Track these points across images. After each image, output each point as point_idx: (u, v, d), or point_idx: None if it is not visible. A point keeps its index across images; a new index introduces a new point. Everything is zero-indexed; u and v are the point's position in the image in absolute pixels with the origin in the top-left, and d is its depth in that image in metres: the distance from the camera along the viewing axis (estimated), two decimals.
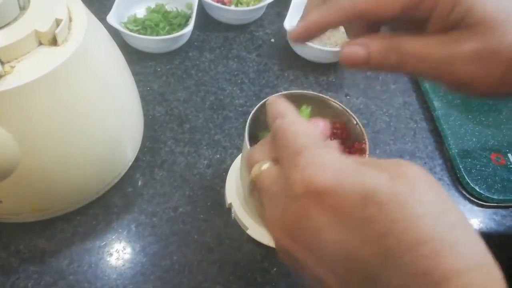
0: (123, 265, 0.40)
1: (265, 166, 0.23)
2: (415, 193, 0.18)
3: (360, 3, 0.25)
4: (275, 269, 0.41)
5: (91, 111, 0.37)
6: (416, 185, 0.18)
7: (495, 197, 0.49)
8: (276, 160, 0.23)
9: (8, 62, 0.32)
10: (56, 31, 0.33)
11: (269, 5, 0.64)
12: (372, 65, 0.26)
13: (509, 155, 0.52)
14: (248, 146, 0.36)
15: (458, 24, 0.24)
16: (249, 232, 0.42)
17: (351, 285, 0.19)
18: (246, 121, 0.36)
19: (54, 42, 0.33)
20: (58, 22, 0.34)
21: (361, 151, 0.37)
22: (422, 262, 0.17)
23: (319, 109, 0.40)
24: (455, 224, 0.18)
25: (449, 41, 0.24)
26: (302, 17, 0.29)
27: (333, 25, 0.27)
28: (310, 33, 0.28)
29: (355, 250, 0.18)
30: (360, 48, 0.26)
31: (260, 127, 0.41)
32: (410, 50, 0.25)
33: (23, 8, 0.34)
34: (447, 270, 0.16)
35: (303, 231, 0.20)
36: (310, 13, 0.28)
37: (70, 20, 0.35)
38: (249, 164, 0.25)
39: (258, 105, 0.38)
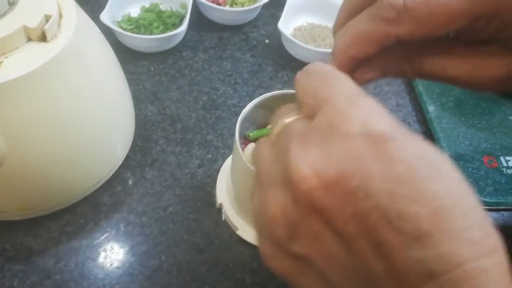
0: (111, 265, 0.40)
1: (293, 117, 0.21)
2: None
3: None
4: (264, 270, 0.41)
5: (80, 108, 0.37)
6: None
7: (487, 199, 0.48)
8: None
9: None
10: (46, 27, 0.33)
11: (264, 6, 0.64)
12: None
13: (501, 158, 0.52)
14: (239, 146, 0.35)
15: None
16: (239, 232, 0.42)
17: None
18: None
19: (43, 38, 0.33)
20: (47, 18, 0.33)
21: None
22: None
23: None
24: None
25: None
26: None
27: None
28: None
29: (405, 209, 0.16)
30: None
31: (251, 127, 0.41)
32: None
33: (12, 3, 0.33)
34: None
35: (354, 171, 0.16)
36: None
37: (60, 16, 0.35)
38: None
39: (249, 104, 0.38)
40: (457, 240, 0.15)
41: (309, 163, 0.17)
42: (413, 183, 0.16)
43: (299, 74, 0.22)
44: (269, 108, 0.40)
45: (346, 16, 0.26)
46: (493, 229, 0.16)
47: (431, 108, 0.56)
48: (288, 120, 0.21)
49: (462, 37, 0.26)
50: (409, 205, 0.16)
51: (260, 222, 0.20)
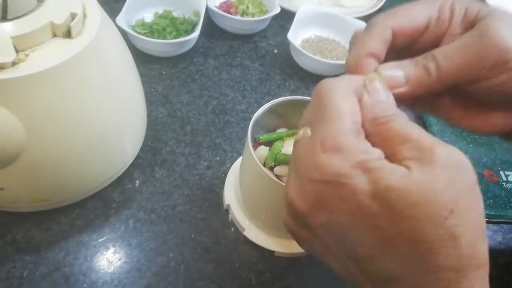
0: (119, 260, 0.40)
1: (303, 133, 0.23)
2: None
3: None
4: (270, 271, 0.42)
5: (97, 105, 0.38)
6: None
7: (487, 212, 0.50)
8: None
9: (23, 50, 0.33)
10: (71, 24, 0.34)
11: (274, 18, 0.65)
12: (412, 88, 0.25)
13: (501, 172, 0.54)
14: (251, 148, 0.36)
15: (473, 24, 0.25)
16: (245, 233, 0.43)
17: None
18: (247, 127, 0.37)
19: (68, 34, 0.35)
20: (73, 16, 0.35)
21: None
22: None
23: None
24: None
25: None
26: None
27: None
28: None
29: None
30: (395, 71, 0.25)
31: (260, 131, 0.42)
32: (446, 55, 0.24)
33: (40, 0, 0.35)
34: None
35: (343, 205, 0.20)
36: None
37: (85, 16, 0.37)
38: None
39: (261, 109, 0.39)
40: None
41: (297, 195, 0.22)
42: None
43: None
44: (278, 114, 0.42)
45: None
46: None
47: (434, 121, 0.58)
48: (300, 136, 0.23)
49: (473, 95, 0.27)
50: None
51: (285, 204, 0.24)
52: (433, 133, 0.56)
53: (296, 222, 0.23)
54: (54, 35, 0.34)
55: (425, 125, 0.58)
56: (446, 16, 0.26)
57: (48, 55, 0.33)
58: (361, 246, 0.20)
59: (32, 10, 0.34)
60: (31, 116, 0.34)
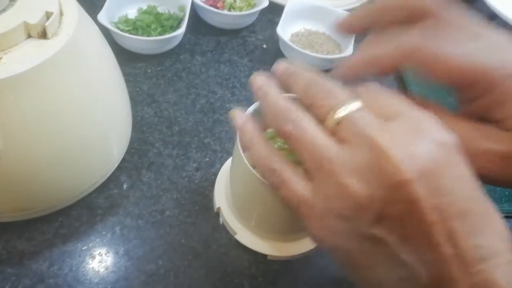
0: (106, 269, 0.39)
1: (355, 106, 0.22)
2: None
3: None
4: (263, 275, 0.41)
5: (78, 107, 0.36)
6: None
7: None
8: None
9: None
10: (46, 24, 0.32)
11: (262, 12, 0.64)
12: None
13: None
14: (240, 148, 0.35)
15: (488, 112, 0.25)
16: (237, 237, 0.41)
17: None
18: None
19: (43, 35, 0.33)
20: (48, 15, 0.33)
21: None
22: None
23: None
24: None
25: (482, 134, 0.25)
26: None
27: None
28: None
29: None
30: None
31: None
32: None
33: None
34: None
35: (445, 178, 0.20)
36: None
37: (61, 14, 0.35)
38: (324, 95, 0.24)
39: (251, 107, 0.38)
40: (499, 236, 0.21)
41: (406, 156, 0.20)
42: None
43: (365, 88, 0.24)
44: None
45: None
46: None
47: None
48: (353, 108, 0.22)
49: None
50: (472, 204, 0.20)
51: (334, 203, 0.22)
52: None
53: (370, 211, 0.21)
54: (29, 36, 0.32)
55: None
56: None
57: (22, 58, 0.31)
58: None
59: (3, 10, 0.32)
60: (7, 122, 0.32)
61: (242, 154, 0.35)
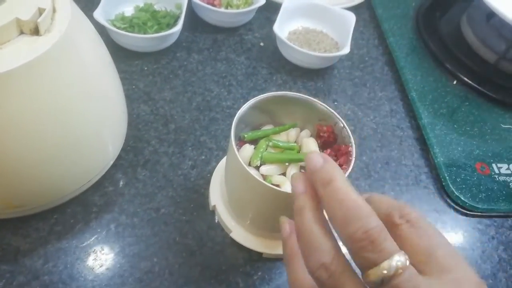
0: (101, 266, 0.39)
1: (401, 262, 0.21)
2: None
3: None
4: (258, 273, 0.40)
5: (72, 104, 0.36)
6: None
7: (479, 206, 0.49)
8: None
9: None
10: (39, 20, 0.32)
11: (259, 9, 0.63)
12: None
13: (493, 165, 0.53)
14: (235, 147, 0.35)
15: None
16: (232, 235, 0.41)
17: None
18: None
19: (36, 31, 0.32)
20: (41, 11, 0.33)
21: (347, 154, 0.36)
22: None
23: (307, 111, 0.39)
24: None
25: None
26: None
27: None
28: None
29: None
30: None
31: (245, 129, 0.40)
32: None
33: None
34: None
35: None
36: None
37: (54, 10, 0.34)
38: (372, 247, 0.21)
39: (245, 105, 0.38)
40: None
41: None
42: None
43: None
44: (264, 110, 0.40)
45: None
46: None
47: (424, 114, 0.56)
48: (399, 265, 0.21)
49: None
50: None
51: None
52: (423, 126, 0.55)
53: None
54: (21, 33, 0.32)
55: (415, 118, 0.57)
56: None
57: (14, 54, 0.31)
58: None
59: None
60: None
61: (236, 153, 0.34)
